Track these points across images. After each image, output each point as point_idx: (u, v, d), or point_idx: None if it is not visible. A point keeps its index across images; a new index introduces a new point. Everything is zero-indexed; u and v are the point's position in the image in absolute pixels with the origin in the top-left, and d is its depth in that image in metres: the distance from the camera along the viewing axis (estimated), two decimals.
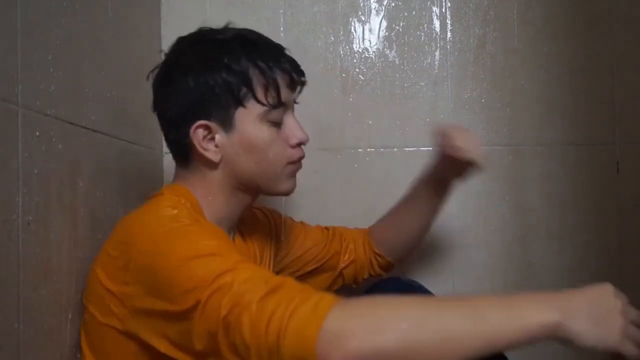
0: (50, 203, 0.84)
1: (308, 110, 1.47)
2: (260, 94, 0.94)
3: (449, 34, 1.48)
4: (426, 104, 1.47)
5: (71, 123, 0.92)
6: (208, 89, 0.93)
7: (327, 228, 1.27)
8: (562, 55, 1.47)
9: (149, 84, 1.00)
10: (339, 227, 1.29)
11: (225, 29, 0.99)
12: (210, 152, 0.94)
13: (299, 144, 1.00)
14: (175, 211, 0.89)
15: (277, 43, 0.99)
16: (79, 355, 0.92)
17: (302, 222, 1.27)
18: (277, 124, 0.97)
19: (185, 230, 0.86)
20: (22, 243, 0.75)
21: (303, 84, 1.01)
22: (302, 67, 1.53)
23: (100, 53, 1.01)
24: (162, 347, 0.81)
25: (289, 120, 0.99)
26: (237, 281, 0.76)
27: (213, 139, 0.94)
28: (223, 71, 0.93)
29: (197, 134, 0.93)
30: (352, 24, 1.48)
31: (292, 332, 0.70)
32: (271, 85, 0.94)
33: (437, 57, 1.48)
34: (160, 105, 0.99)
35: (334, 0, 1.48)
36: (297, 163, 1.01)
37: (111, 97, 1.09)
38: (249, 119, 0.94)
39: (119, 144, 1.12)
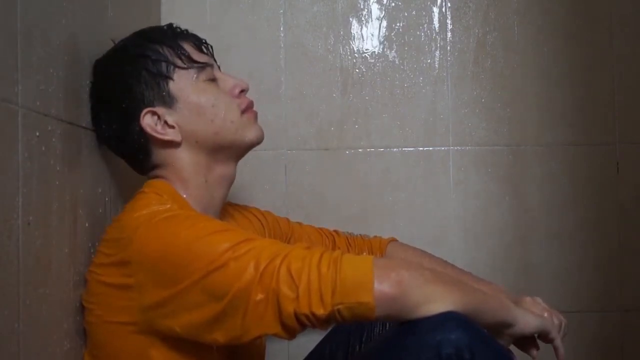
0: (50, 203, 0.84)
1: (308, 110, 1.48)
2: (179, 62, 0.97)
3: (449, 34, 1.48)
4: (426, 104, 1.47)
5: (71, 123, 0.92)
6: (135, 83, 0.95)
7: (330, 232, 1.25)
8: (562, 55, 1.47)
9: None
10: (354, 236, 1.26)
11: (125, 39, 1.02)
12: (169, 134, 0.96)
13: (242, 91, 1.02)
14: (167, 205, 0.90)
15: (167, 24, 1.03)
16: (80, 356, 0.92)
17: (299, 223, 1.26)
18: (213, 80, 1.00)
19: (185, 215, 0.88)
20: (22, 243, 0.75)
21: (207, 44, 1.04)
22: (302, 67, 1.54)
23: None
24: (178, 327, 0.82)
25: (221, 75, 1.03)
26: (260, 246, 0.81)
27: (166, 122, 0.96)
28: (139, 62, 0.96)
29: (147, 121, 0.95)
30: (352, 24, 1.48)
31: (347, 262, 0.80)
32: (181, 52, 0.97)
33: (437, 57, 1.48)
34: (105, 124, 0.99)
35: (334, 0, 1.48)
36: (251, 110, 1.03)
37: None
38: (184, 85, 0.97)
39: None
